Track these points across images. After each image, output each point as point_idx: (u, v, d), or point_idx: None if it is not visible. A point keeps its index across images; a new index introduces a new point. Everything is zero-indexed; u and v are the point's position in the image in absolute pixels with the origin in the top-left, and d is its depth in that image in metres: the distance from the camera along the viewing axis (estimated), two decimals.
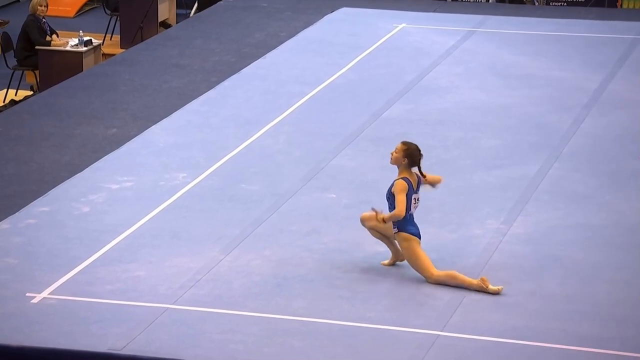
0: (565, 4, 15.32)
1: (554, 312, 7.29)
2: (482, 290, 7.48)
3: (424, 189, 7.80)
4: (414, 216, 7.65)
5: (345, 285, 7.62)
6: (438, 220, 8.60)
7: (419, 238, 7.61)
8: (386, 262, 7.82)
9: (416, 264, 7.60)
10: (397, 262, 7.81)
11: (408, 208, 7.57)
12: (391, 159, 7.68)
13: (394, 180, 7.61)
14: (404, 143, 7.68)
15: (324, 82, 11.64)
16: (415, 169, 7.67)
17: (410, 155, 7.62)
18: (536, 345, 6.91)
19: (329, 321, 7.15)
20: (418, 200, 7.64)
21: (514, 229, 8.47)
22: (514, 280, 7.67)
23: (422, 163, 7.69)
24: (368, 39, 12.98)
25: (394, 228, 7.62)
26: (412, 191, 7.59)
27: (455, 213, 8.75)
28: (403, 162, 7.62)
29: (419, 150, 7.66)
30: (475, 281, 7.53)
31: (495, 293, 7.45)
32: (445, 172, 9.55)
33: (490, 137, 10.34)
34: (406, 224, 7.59)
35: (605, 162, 9.78)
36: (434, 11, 14.49)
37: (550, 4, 15.38)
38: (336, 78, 11.78)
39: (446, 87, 11.57)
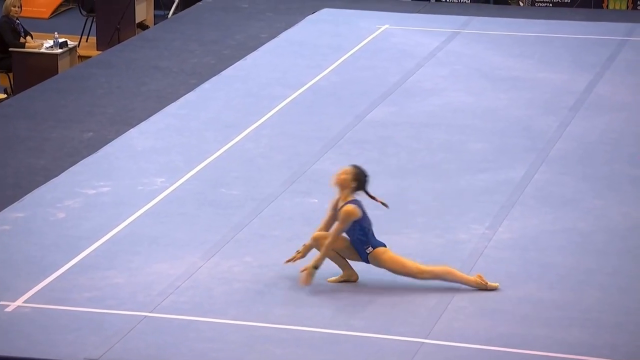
0: (550, 4, 15.36)
1: (542, 319, 7.29)
2: (480, 287, 7.51)
3: (374, 207, 7.71)
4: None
5: (328, 292, 7.60)
6: (423, 224, 8.60)
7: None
8: (334, 279, 7.70)
9: (406, 269, 7.57)
10: (347, 282, 7.67)
11: (361, 230, 7.47)
12: (337, 180, 7.59)
13: (345, 204, 7.52)
14: (355, 166, 7.64)
15: (306, 84, 11.63)
16: (360, 193, 7.59)
17: (359, 180, 7.58)
18: (524, 353, 6.91)
19: (311, 329, 7.13)
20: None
21: (500, 234, 8.48)
22: (501, 286, 7.66)
23: (369, 187, 7.62)
24: (351, 41, 12.98)
25: (368, 248, 7.55)
26: (364, 213, 7.52)
27: (441, 218, 8.75)
28: (351, 185, 7.56)
29: (367, 176, 7.60)
30: (472, 278, 7.55)
31: (494, 289, 7.49)
32: (430, 175, 9.57)
33: (476, 140, 10.35)
34: (373, 239, 7.58)
35: (592, 165, 9.81)
36: (418, 12, 14.51)
37: (536, 4, 15.42)
38: (318, 80, 11.78)
39: (431, 89, 11.58)
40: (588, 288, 7.69)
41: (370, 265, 7.74)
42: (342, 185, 7.62)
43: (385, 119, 10.78)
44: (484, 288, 7.52)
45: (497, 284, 7.57)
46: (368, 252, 7.58)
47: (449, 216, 8.77)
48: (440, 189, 9.26)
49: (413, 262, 7.59)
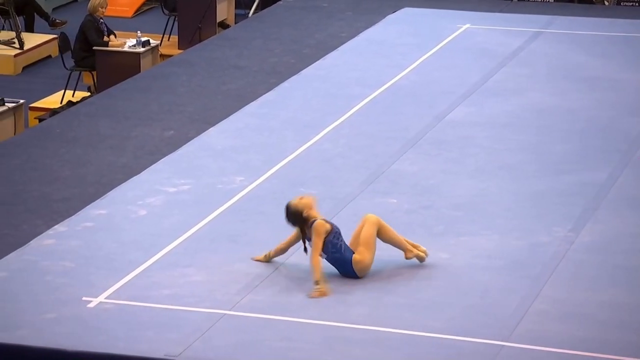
0: (636, 4, 15.12)
1: (625, 324, 7.19)
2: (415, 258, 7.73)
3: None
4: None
5: (406, 293, 7.59)
6: (502, 226, 8.53)
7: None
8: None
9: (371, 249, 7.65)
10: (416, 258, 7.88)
11: (333, 247, 7.57)
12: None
13: (311, 224, 7.60)
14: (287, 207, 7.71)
15: (385, 84, 11.61)
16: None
17: (295, 214, 7.63)
18: (606, 358, 6.82)
19: (389, 330, 7.12)
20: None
21: (582, 237, 8.37)
22: (583, 290, 7.58)
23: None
24: (431, 40, 12.93)
25: (350, 264, 7.61)
26: (334, 229, 7.61)
27: (521, 219, 8.67)
28: (304, 221, 7.62)
29: (289, 209, 7.66)
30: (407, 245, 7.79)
31: (422, 258, 7.73)
32: (510, 176, 9.49)
33: (557, 141, 10.24)
34: (347, 252, 7.61)
35: None
36: (500, 11, 14.39)
37: (621, 4, 15.19)
38: (398, 80, 11.75)
39: (512, 89, 11.48)
40: None
41: (449, 265, 7.71)
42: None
43: (465, 119, 10.72)
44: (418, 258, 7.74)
45: (424, 251, 7.74)
46: (353, 266, 7.60)
47: (530, 218, 8.69)
48: (520, 191, 9.18)
49: (374, 241, 7.64)
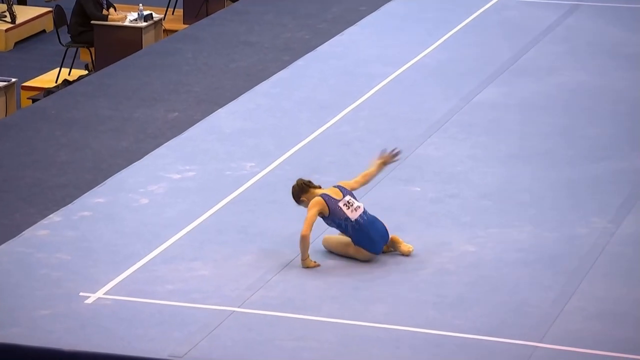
0: None
1: None
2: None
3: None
4: (364, 218, 7.81)
5: (430, 289, 7.58)
6: (535, 217, 8.51)
7: (376, 251, 7.85)
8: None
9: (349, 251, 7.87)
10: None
11: (339, 216, 7.77)
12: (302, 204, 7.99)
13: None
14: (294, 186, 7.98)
15: (408, 62, 11.59)
16: (321, 190, 7.88)
17: (299, 195, 7.91)
18: None
19: (412, 329, 7.12)
20: (352, 203, 7.82)
21: (623, 228, 8.35)
22: (623, 286, 7.56)
23: (317, 181, 8.00)
24: (458, 14, 12.89)
25: (347, 235, 7.86)
26: (333, 202, 7.78)
27: (556, 210, 8.65)
28: (304, 200, 7.90)
29: (302, 185, 7.93)
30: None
31: (407, 254, 7.83)
32: (544, 163, 9.47)
33: (595, 124, 10.21)
34: (359, 236, 7.82)
35: None
36: None
37: None
38: (422, 58, 11.73)
39: (547, 68, 11.45)
40: None
41: (477, 259, 7.69)
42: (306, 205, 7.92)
43: (495, 101, 10.69)
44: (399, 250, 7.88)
45: (410, 247, 7.87)
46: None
47: (565, 208, 8.67)
48: (555, 178, 9.15)
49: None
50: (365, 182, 8.14)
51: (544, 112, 10.47)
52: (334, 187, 8.00)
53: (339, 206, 7.83)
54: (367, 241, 7.82)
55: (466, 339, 7.02)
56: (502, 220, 8.44)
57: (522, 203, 8.78)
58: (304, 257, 7.78)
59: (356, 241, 7.84)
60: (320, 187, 7.98)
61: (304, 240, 7.74)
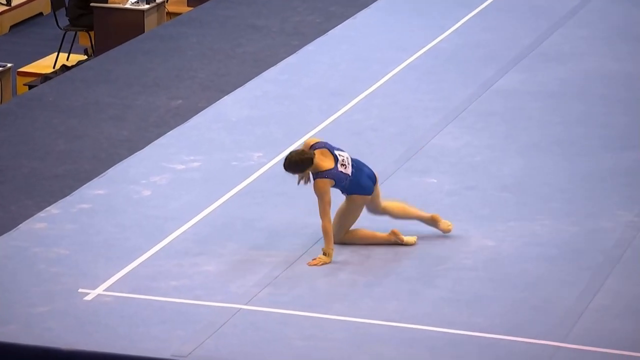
0: None
1: None
2: (396, 243, 7.84)
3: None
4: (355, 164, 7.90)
5: (447, 285, 7.59)
6: (557, 210, 8.51)
7: (369, 192, 7.92)
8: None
9: (344, 221, 7.88)
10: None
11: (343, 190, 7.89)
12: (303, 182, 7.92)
13: (314, 180, 7.84)
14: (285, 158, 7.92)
15: (423, 47, 11.59)
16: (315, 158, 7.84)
17: (301, 169, 7.84)
18: None
19: (427, 328, 7.12)
20: (343, 159, 7.87)
21: None
22: None
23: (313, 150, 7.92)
24: None
25: (344, 193, 7.92)
26: (335, 172, 7.81)
27: (579, 202, 8.65)
28: (307, 174, 7.87)
29: (307, 160, 7.82)
30: (385, 235, 7.88)
31: (411, 244, 7.86)
32: (566, 153, 9.46)
33: (620, 112, 10.20)
34: (352, 186, 7.88)
35: None
36: None
37: None
38: (438, 42, 11.73)
39: (570, 53, 11.45)
40: None
41: (496, 254, 7.69)
42: (308, 178, 7.92)
43: (515, 88, 10.69)
44: (399, 244, 7.83)
45: (414, 238, 7.91)
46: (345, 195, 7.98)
47: (589, 201, 8.67)
48: (578, 169, 9.15)
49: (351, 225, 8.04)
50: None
51: (566, 100, 10.46)
52: (317, 145, 7.87)
53: (339, 171, 7.87)
54: (359, 188, 7.89)
55: (484, 338, 7.02)
56: (522, 213, 8.44)
57: (543, 195, 8.78)
58: (330, 249, 7.75)
59: (349, 192, 7.90)
60: (311, 151, 7.92)
61: (329, 233, 7.73)
